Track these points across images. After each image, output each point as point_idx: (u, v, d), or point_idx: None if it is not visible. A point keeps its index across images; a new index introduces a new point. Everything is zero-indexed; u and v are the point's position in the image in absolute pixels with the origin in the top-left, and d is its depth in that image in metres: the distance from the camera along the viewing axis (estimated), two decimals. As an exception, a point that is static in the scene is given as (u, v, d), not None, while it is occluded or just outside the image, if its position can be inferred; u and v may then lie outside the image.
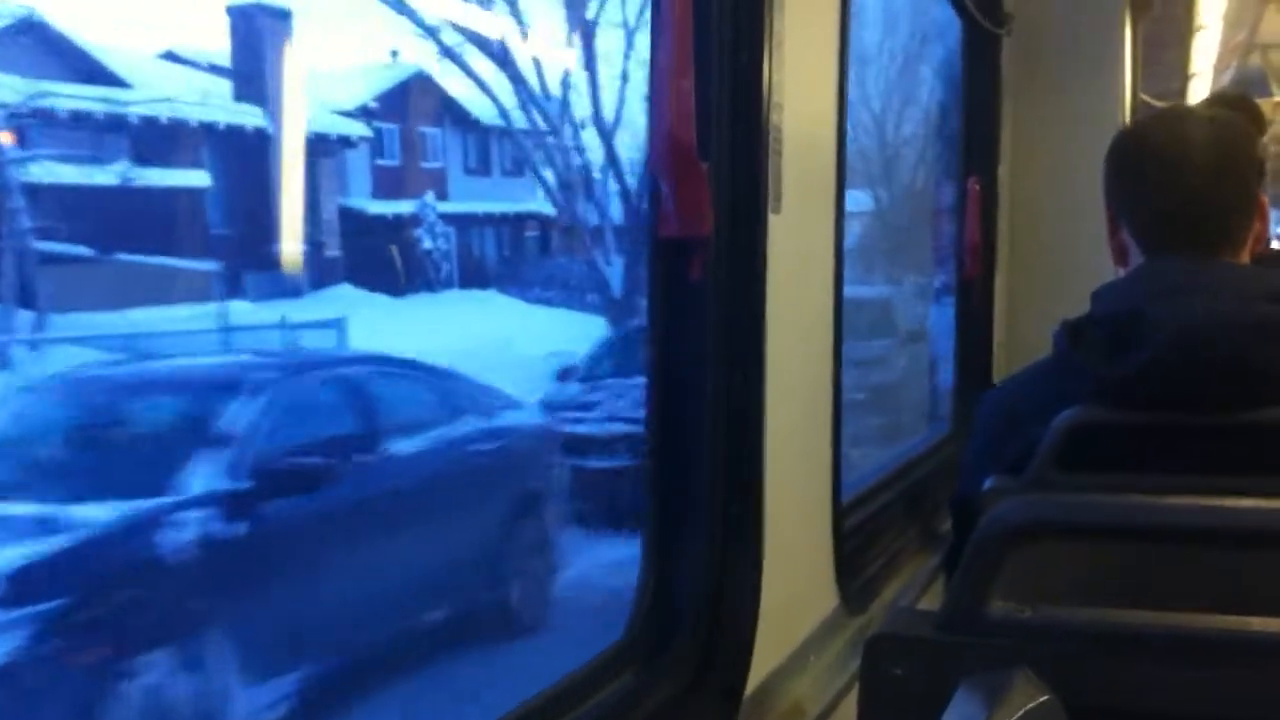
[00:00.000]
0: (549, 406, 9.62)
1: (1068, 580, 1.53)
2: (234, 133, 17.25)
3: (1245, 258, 1.84)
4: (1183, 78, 7.17)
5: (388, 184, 21.62)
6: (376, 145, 21.11)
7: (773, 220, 1.81)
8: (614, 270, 18.80)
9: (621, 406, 9.32)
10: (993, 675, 1.30)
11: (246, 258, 16.85)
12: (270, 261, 17.09)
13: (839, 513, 2.22)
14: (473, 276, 21.52)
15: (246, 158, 17.20)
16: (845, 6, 2.14)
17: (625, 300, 17.70)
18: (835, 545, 2.18)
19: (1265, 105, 5.88)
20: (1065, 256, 3.54)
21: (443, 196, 22.21)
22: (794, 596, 2.00)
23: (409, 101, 21.58)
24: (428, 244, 21.19)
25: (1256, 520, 1.30)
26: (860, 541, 2.50)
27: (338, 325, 13.22)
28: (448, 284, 20.96)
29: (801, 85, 1.93)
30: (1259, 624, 1.25)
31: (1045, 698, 1.28)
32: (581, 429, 9.21)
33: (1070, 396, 1.73)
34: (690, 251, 1.71)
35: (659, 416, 1.76)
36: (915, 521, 2.92)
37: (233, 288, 15.90)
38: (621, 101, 17.03)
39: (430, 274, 20.79)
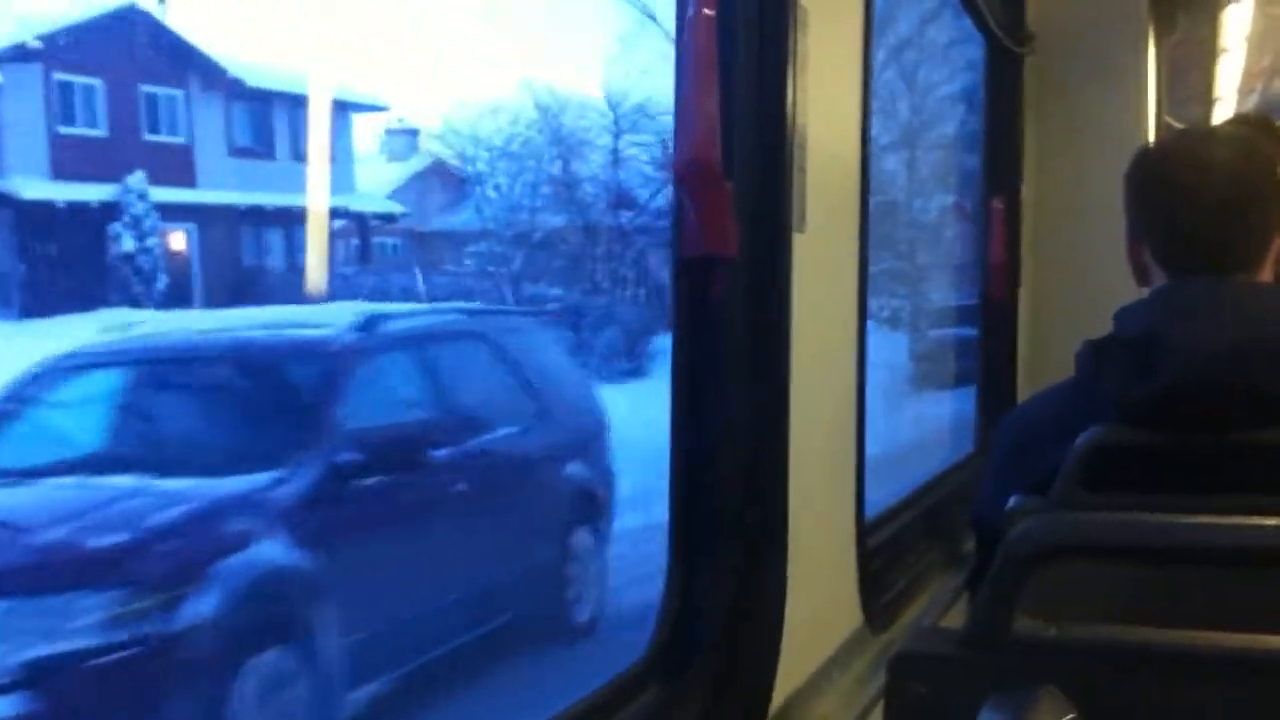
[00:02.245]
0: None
1: (1092, 599, 1.53)
2: None
3: (1267, 276, 1.84)
4: (1207, 101, 7.16)
5: (80, 161, 14.39)
6: (62, 106, 14.08)
7: (797, 239, 1.81)
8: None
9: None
10: (1018, 693, 1.30)
11: None
12: None
13: (863, 531, 2.22)
14: (210, 292, 15.07)
15: None
16: (869, 26, 2.15)
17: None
18: (859, 563, 2.18)
19: (1289, 128, 5.86)
20: (1089, 276, 3.53)
21: (186, 182, 15.66)
22: (818, 614, 2.00)
23: (125, 50, 14.47)
24: (128, 245, 14.61)
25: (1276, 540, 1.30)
26: (884, 560, 2.49)
27: None
28: (155, 301, 14.15)
29: (825, 104, 1.94)
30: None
31: (1070, 716, 1.27)
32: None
33: (1092, 417, 1.73)
34: (714, 270, 1.72)
35: (682, 434, 1.77)
36: (939, 540, 2.91)
37: None
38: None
39: (121, 288, 14.21)
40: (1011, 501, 1.78)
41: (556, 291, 16.76)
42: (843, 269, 2.09)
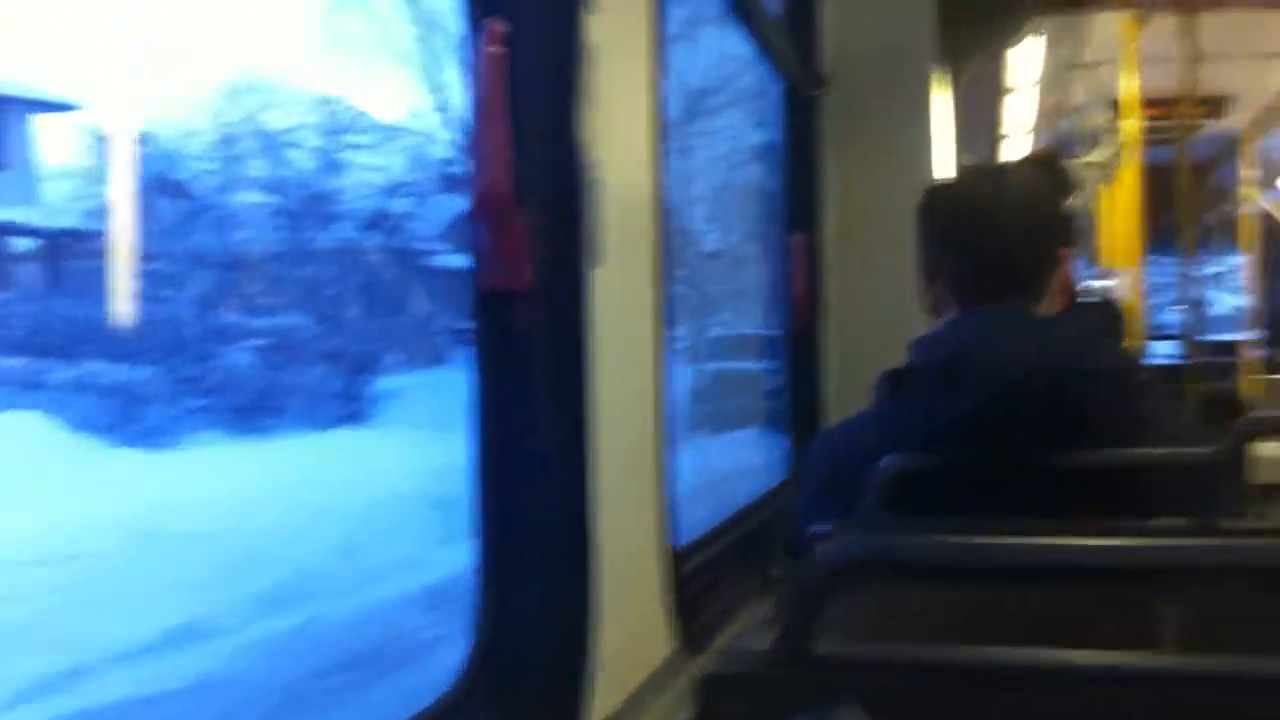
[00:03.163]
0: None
1: (895, 617, 1.59)
2: None
3: (1053, 308, 1.95)
4: (996, 138, 7.50)
5: None
6: None
7: (594, 273, 1.85)
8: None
9: None
10: (818, 712, 1.34)
11: None
12: None
13: (675, 557, 2.26)
14: None
15: None
16: (660, 64, 2.21)
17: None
18: (672, 589, 2.22)
19: (1075, 165, 6.21)
20: (889, 306, 3.67)
21: None
22: (631, 640, 2.03)
23: None
24: None
25: (1069, 556, 1.37)
26: (699, 585, 2.53)
27: None
28: None
29: (618, 141, 1.99)
30: (1075, 656, 1.31)
31: None
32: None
33: (894, 442, 1.81)
34: (512, 302, 1.75)
35: (485, 466, 1.78)
36: (755, 564, 2.97)
37: None
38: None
39: None
40: (818, 527, 1.85)
41: (263, 322, 13.69)
42: (641, 302, 2.14)
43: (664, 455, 2.20)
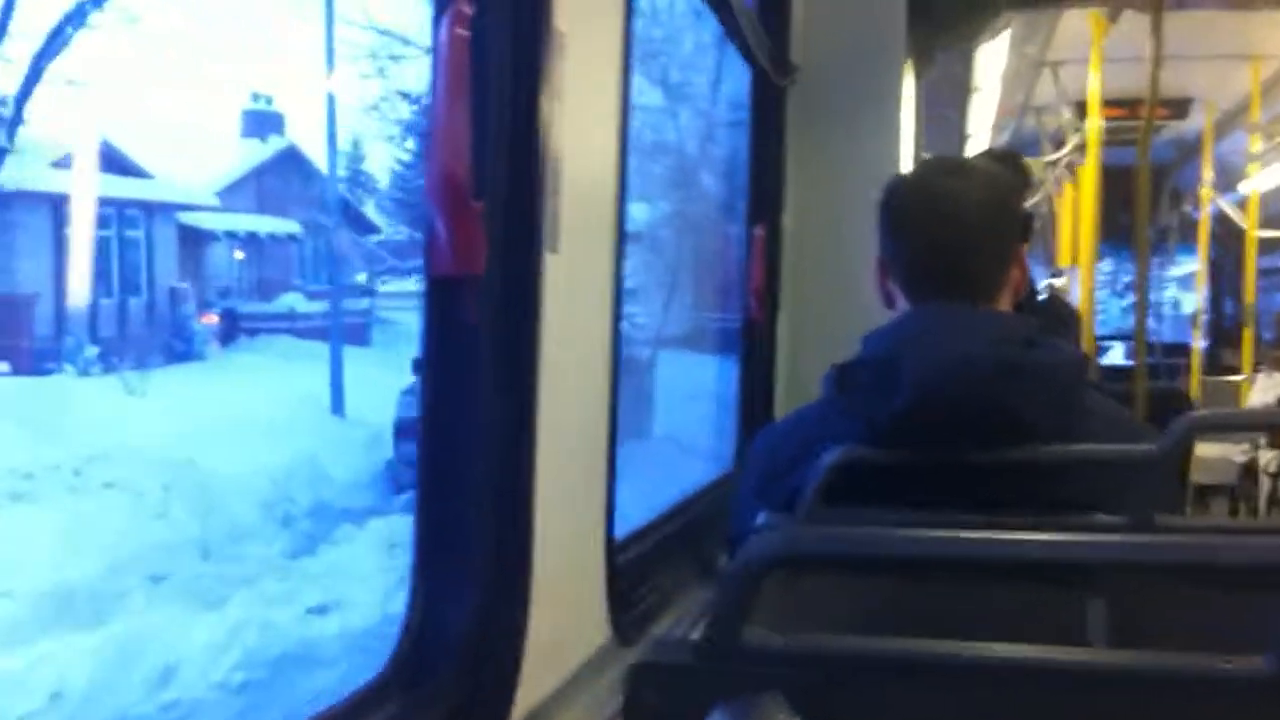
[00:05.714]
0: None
1: (828, 610, 1.60)
2: None
3: (1005, 304, 1.95)
4: (961, 135, 7.51)
5: None
6: None
7: (550, 259, 1.84)
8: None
9: None
10: (743, 700, 1.35)
11: None
12: None
13: (612, 547, 2.26)
14: None
15: None
16: (627, 53, 2.20)
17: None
18: (608, 579, 2.22)
19: (1036, 164, 6.24)
20: (845, 301, 3.68)
21: None
22: (564, 629, 2.03)
23: None
24: None
25: (1000, 550, 1.38)
26: (636, 576, 2.54)
27: None
28: None
29: (582, 129, 1.98)
30: (996, 650, 1.32)
31: None
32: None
33: (839, 437, 1.82)
34: (464, 289, 1.74)
35: (429, 451, 1.78)
36: (694, 556, 2.98)
37: None
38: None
39: None
40: (760, 519, 1.85)
41: None
42: (597, 289, 2.13)
43: (612, 446, 2.20)
